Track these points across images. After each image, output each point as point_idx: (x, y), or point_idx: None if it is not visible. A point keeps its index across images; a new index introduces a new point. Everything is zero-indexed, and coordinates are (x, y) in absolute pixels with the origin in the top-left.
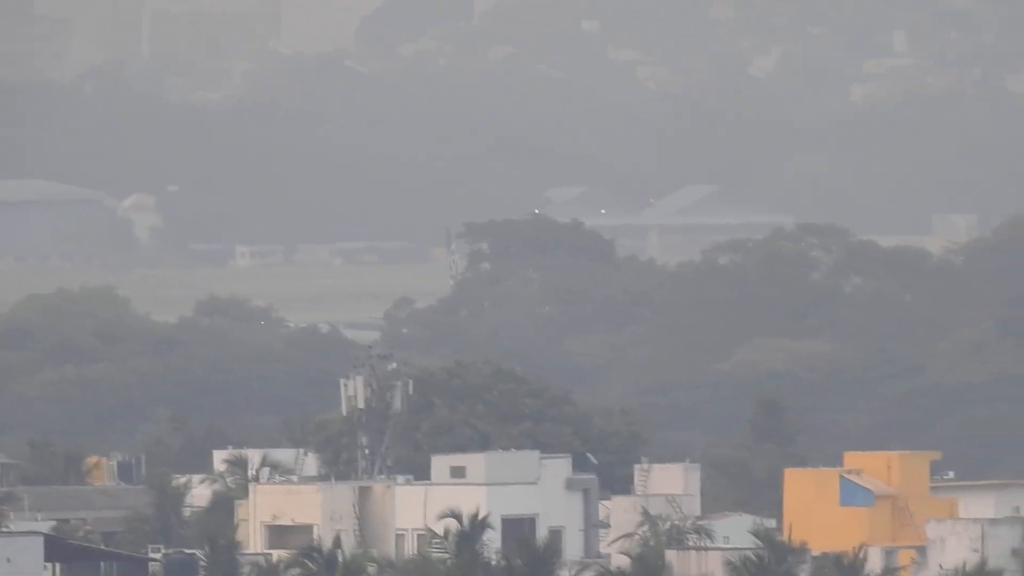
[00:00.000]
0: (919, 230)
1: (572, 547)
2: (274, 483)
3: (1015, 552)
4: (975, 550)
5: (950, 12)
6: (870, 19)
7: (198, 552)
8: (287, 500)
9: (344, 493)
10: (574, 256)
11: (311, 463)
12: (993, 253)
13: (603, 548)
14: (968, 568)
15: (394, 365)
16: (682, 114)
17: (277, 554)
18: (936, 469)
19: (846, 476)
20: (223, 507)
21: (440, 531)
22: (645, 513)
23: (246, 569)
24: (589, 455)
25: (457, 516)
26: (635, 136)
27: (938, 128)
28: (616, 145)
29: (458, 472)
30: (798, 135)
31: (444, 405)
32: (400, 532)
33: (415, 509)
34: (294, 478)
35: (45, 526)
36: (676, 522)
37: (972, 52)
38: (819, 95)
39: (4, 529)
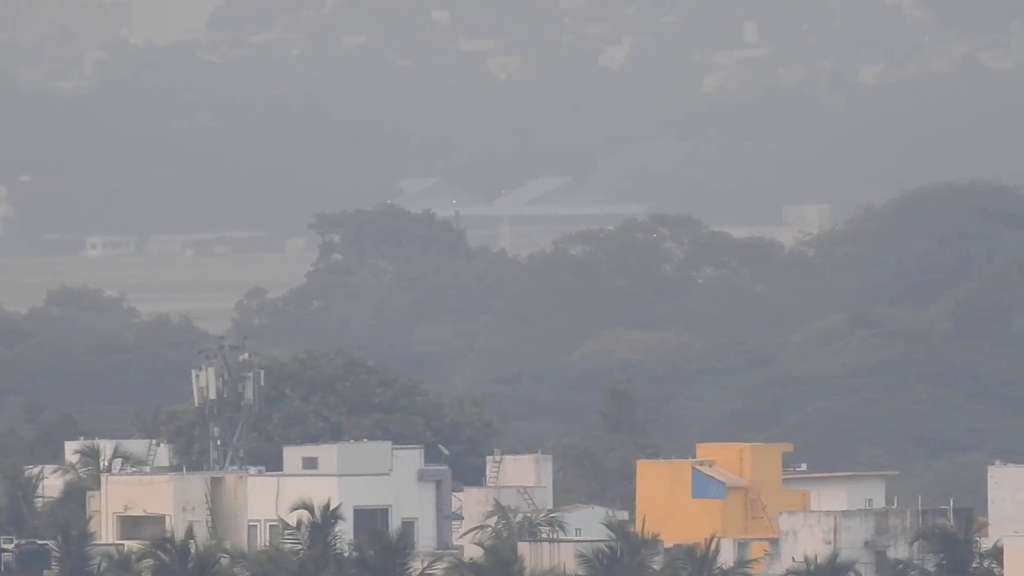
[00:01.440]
0: (771, 221)
1: (425, 538)
2: (126, 474)
3: (868, 544)
4: (828, 542)
5: (801, 2)
6: (721, 10)
7: (50, 543)
8: (139, 491)
9: (196, 484)
10: (426, 247)
11: (163, 454)
12: (845, 244)
13: (456, 539)
14: (820, 560)
15: (246, 356)
16: (533, 104)
17: (129, 545)
18: (788, 461)
19: (698, 468)
20: (75, 498)
21: (292, 522)
22: (497, 505)
23: (98, 560)
24: (441, 446)
25: (309, 507)
26: (487, 126)
27: (790, 119)
28: (468, 136)
29: (310, 463)
30: (650, 125)
31: (296, 396)
32: (252, 523)
33: (267, 500)
34: (146, 469)
35: None
36: (528, 514)
37: (823, 43)
38: (671, 85)
39: None
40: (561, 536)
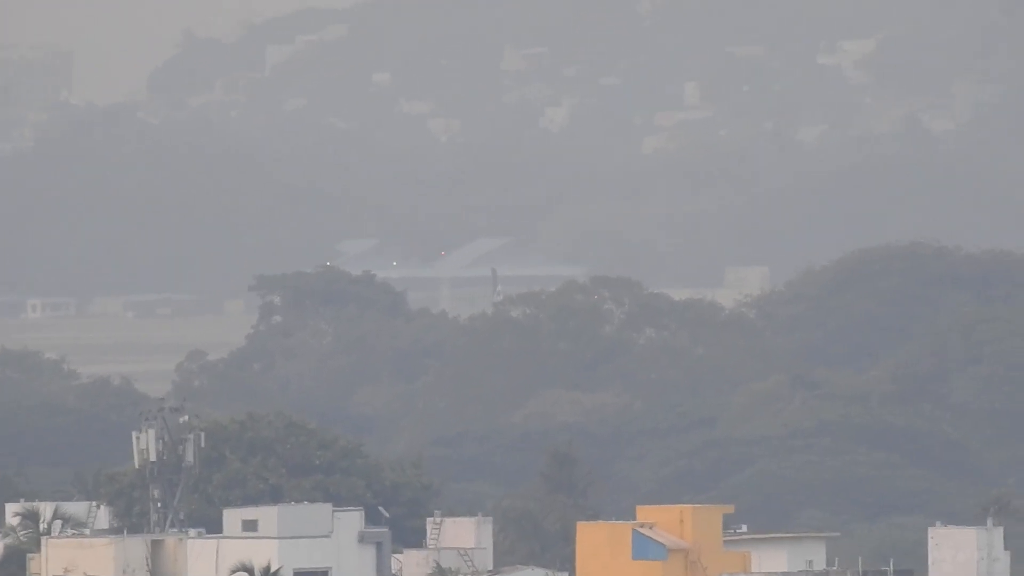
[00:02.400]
0: (712, 283)
1: None
2: (66, 536)
3: None
4: None
5: (742, 64)
6: (662, 71)
7: None
8: (79, 553)
9: (136, 546)
10: (366, 308)
11: (103, 516)
12: (785, 306)
13: None
14: None
15: (186, 418)
16: (474, 166)
17: None
18: (729, 522)
19: (638, 530)
20: (15, 561)
21: None
22: (437, 567)
23: None
24: (381, 508)
25: (249, 569)
26: (427, 188)
27: (730, 180)
28: (408, 197)
29: (250, 525)
30: (590, 187)
31: (236, 458)
32: None
33: (207, 562)
34: (86, 531)
35: None
36: (468, 575)
37: (764, 104)
38: (611, 146)
39: None
40: None
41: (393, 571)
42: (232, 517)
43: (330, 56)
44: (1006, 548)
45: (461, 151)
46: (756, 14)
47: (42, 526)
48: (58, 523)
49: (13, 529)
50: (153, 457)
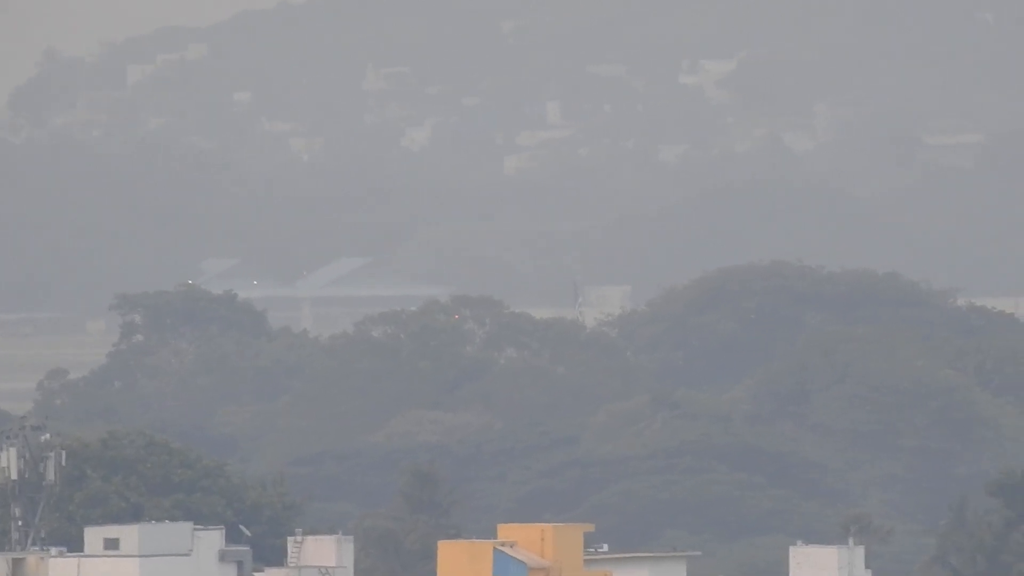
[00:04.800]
0: (573, 302)
1: None
2: None
3: None
4: None
5: (603, 84)
6: (524, 91)
7: None
8: None
9: None
10: (227, 328)
11: None
12: (647, 325)
13: None
14: None
15: (47, 436)
16: (336, 185)
17: None
18: (590, 541)
19: (499, 548)
20: None
21: None
22: None
23: None
24: (242, 527)
25: None
26: (289, 207)
27: (591, 200)
28: (270, 216)
29: (111, 544)
30: (452, 206)
31: (97, 476)
32: None
33: None
34: None
35: None
36: None
37: (626, 123)
38: (473, 166)
39: None
40: None
41: None
42: (93, 535)
43: (191, 75)
44: (867, 567)
45: (323, 170)
46: (618, 34)
47: None
48: None
49: None
50: (14, 475)
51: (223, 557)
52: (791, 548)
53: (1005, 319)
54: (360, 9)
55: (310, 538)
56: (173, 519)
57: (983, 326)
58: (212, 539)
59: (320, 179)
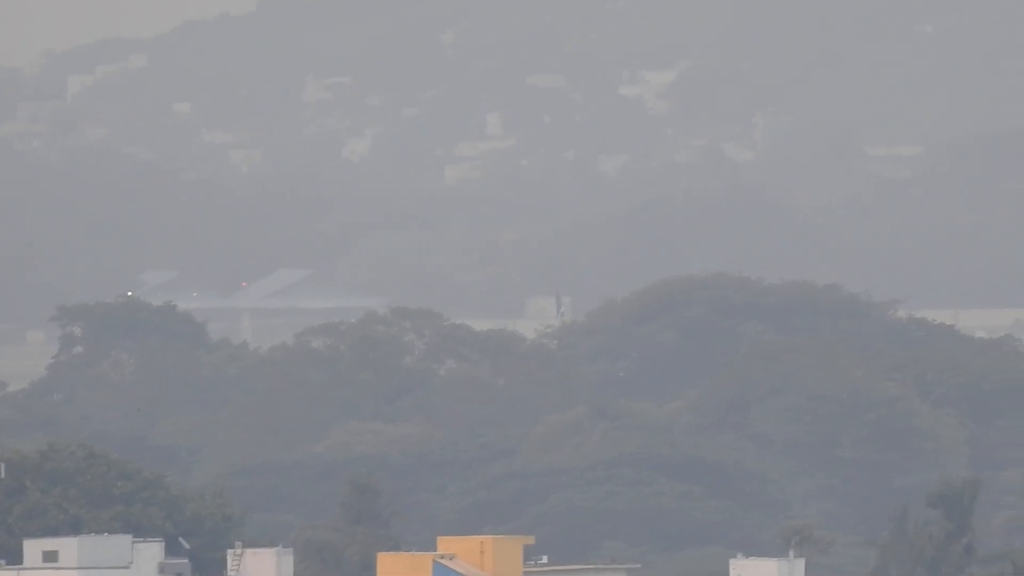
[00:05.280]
0: (512, 314)
1: None
2: None
3: None
4: None
5: (544, 94)
6: (464, 102)
7: None
8: None
9: None
10: (167, 339)
11: None
12: (587, 337)
13: None
14: None
15: None
16: (276, 196)
17: None
18: (530, 553)
19: (439, 560)
20: None
21: None
22: None
23: None
24: (182, 539)
25: None
26: (229, 218)
27: (532, 210)
28: (210, 228)
29: (51, 556)
30: (392, 217)
31: (37, 488)
32: None
33: None
34: None
35: None
36: None
37: (566, 134)
38: (413, 177)
39: None
40: None
41: None
42: (32, 548)
43: (132, 86)
44: None
45: (263, 181)
46: (557, 44)
47: None
48: None
49: None
50: None
51: (162, 569)
52: (731, 560)
53: (944, 330)
54: (300, 20)
55: (250, 550)
56: (113, 531)
57: (923, 337)
58: (152, 551)
59: (260, 190)
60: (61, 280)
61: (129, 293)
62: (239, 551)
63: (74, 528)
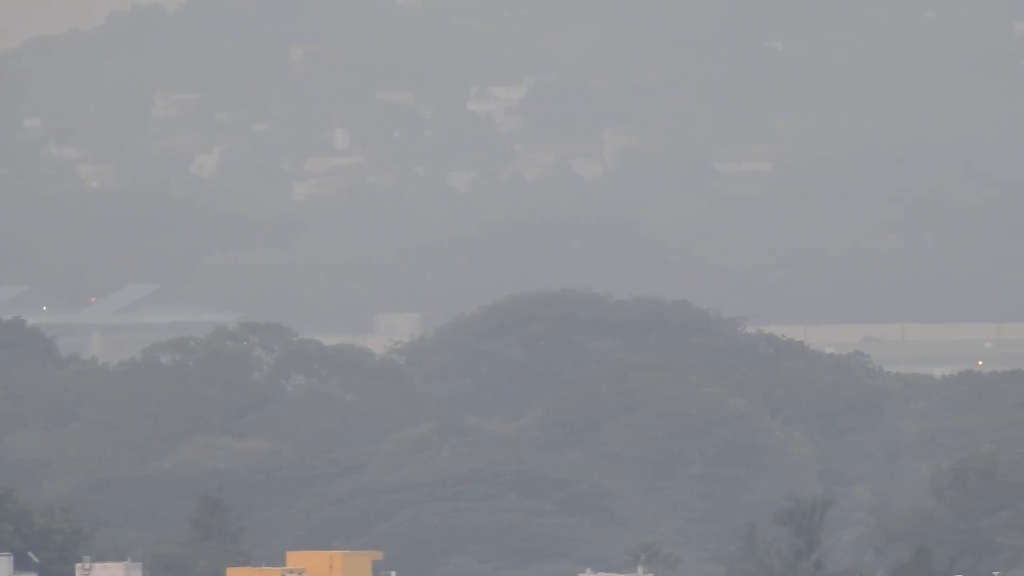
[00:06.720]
0: (362, 329)
1: None
2: None
3: None
4: None
5: (392, 111)
6: (312, 117)
7: None
8: None
9: None
10: (16, 354)
11: None
12: (435, 353)
13: None
14: None
15: None
16: (125, 212)
17: None
18: (378, 569)
19: None
20: None
21: None
22: None
23: None
24: (31, 553)
25: None
26: (78, 234)
27: (381, 226)
28: (59, 243)
29: None
30: (241, 233)
31: None
32: None
33: None
34: None
35: None
36: None
37: (415, 150)
38: (261, 192)
39: None
40: None
41: None
42: None
43: None
44: None
45: (112, 197)
46: (407, 60)
47: None
48: None
49: None
50: None
51: None
52: None
53: (794, 347)
54: (150, 36)
55: (99, 565)
56: None
57: (772, 354)
58: (1, 566)
59: (109, 206)
60: None
61: None
62: (88, 565)
63: None
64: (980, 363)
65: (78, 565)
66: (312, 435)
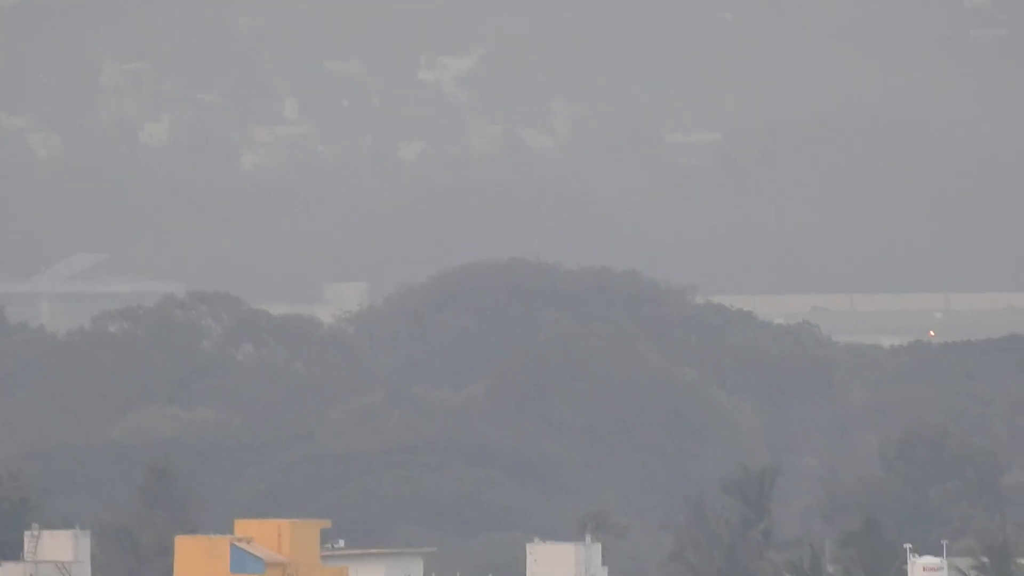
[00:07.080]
0: (310, 299)
1: None
2: None
3: None
4: None
5: (341, 80)
6: (260, 87)
7: None
8: None
9: None
10: None
11: None
12: (384, 322)
13: None
14: None
15: None
16: (73, 181)
17: None
18: (327, 537)
19: (236, 544)
20: None
21: None
22: None
23: None
24: None
25: None
26: (26, 203)
27: (329, 196)
28: (6, 212)
29: None
30: (190, 202)
31: None
32: None
33: None
34: None
35: None
36: None
37: (364, 120)
38: (209, 162)
39: None
40: None
41: None
42: None
43: None
44: (604, 564)
45: (60, 166)
46: (355, 29)
47: None
48: None
49: None
50: None
51: None
52: (528, 545)
53: (743, 317)
54: (98, 5)
55: (47, 533)
56: None
57: (720, 324)
58: None
59: (57, 175)
60: None
61: None
62: (36, 533)
63: None
64: (932, 333)
65: (26, 532)
66: (261, 404)
